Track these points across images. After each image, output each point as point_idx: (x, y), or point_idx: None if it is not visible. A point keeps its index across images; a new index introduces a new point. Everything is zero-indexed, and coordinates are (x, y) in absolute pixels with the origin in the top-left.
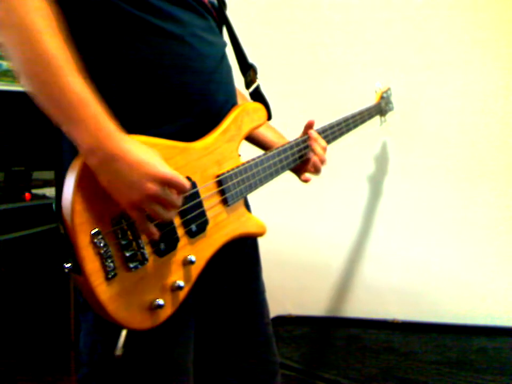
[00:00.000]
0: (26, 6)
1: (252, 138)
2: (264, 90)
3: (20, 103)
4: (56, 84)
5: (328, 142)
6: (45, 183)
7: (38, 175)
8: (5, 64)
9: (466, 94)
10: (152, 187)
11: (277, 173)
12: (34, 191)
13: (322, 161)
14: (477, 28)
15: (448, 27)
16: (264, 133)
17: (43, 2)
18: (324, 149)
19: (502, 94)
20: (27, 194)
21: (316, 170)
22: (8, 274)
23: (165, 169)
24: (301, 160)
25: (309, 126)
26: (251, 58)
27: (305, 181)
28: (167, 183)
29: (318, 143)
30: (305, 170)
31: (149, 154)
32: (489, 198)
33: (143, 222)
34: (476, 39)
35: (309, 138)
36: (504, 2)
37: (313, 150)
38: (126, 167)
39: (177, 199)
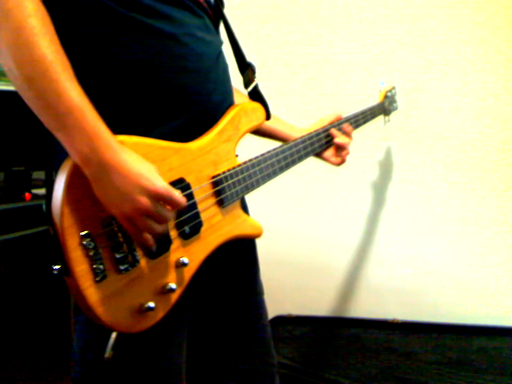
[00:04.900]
0: (24, 8)
1: (263, 134)
2: (263, 90)
3: (20, 103)
4: (53, 90)
5: (329, 142)
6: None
7: (38, 175)
8: None
9: (467, 94)
10: (144, 201)
11: (275, 173)
12: (34, 191)
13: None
14: (478, 26)
15: (449, 26)
16: (275, 126)
17: (40, 6)
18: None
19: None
20: (27, 194)
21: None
22: (8, 275)
23: (159, 183)
24: (300, 161)
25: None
26: (250, 58)
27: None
28: (160, 198)
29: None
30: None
31: (146, 167)
32: (489, 198)
33: (135, 231)
34: (476, 38)
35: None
36: (504, 1)
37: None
38: (120, 178)
39: (169, 214)
